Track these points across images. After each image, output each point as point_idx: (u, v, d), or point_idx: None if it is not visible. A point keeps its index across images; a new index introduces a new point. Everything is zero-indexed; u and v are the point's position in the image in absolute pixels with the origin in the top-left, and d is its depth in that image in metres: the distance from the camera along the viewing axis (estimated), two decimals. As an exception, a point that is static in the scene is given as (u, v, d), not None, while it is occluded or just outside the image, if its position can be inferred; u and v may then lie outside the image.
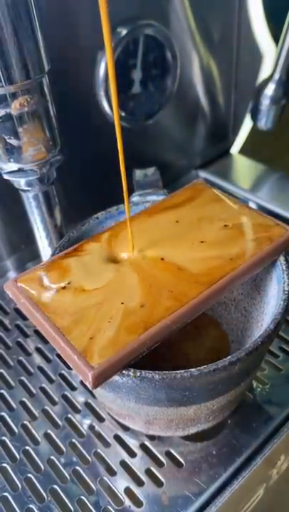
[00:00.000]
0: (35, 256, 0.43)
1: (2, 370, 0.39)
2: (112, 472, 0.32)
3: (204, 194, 0.34)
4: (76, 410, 0.35)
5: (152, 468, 0.32)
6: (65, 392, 0.37)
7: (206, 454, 0.32)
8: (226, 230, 0.30)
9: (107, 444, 0.33)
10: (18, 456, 0.33)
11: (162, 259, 0.29)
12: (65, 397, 0.36)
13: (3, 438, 0.34)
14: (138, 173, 0.39)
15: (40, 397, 0.36)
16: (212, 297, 0.26)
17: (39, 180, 0.34)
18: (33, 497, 0.31)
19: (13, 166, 0.32)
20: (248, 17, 0.52)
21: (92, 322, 0.25)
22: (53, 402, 0.36)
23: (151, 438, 0.33)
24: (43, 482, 0.32)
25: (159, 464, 0.32)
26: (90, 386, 0.23)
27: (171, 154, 0.55)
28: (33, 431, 0.34)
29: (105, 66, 0.40)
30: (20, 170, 0.32)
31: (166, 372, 0.23)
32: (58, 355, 0.39)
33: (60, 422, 0.35)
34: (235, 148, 0.62)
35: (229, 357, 0.24)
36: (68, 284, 0.28)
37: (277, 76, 0.47)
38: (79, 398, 0.36)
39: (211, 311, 0.38)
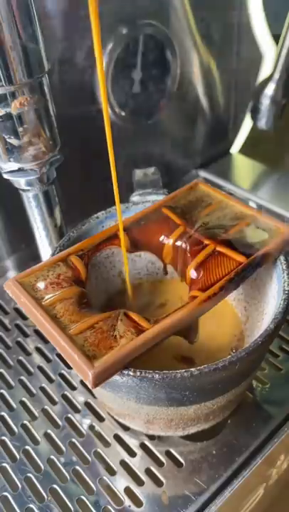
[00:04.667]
0: (35, 256, 0.43)
1: (2, 370, 0.39)
2: (112, 472, 0.32)
3: (204, 194, 0.34)
4: (76, 410, 0.35)
5: (152, 468, 0.32)
6: (65, 392, 0.36)
7: (206, 454, 0.32)
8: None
9: (107, 444, 0.33)
10: (18, 456, 0.33)
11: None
12: (65, 397, 0.36)
13: (3, 438, 0.34)
14: (138, 173, 0.39)
15: (40, 396, 0.36)
16: (213, 298, 0.26)
17: (39, 180, 0.34)
18: (33, 497, 0.31)
19: (13, 166, 0.32)
20: (248, 17, 0.52)
21: (93, 321, 0.25)
22: (53, 402, 0.36)
23: (151, 438, 0.33)
24: (42, 482, 0.31)
25: (159, 463, 0.32)
26: (90, 385, 0.23)
27: (171, 154, 0.55)
28: (33, 431, 0.34)
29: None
30: (20, 169, 0.32)
31: (166, 371, 0.23)
32: (58, 355, 0.39)
33: (60, 422, 0.35)
34: (235, 148, 0.62)
35: (229, 357, 0.24)
36: (68, 283, 0.28)
37: (277, 76, 0.47)
38: (79, 398, 0.36)
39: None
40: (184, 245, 0.30)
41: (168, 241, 0.31)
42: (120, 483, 0.31)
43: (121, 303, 0.35)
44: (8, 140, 0.31)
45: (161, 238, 0.31)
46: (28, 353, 0.40)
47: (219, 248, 0.29)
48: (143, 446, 0.33)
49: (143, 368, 0.24)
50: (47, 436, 0.34)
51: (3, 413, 0.36)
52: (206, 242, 0.29)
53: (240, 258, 0.28)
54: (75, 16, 0.37)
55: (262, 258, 0.28)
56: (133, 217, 0.32)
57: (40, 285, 0.27)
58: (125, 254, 0.31)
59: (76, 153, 0.42)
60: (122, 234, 0.30)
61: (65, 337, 0.24)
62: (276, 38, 0.52)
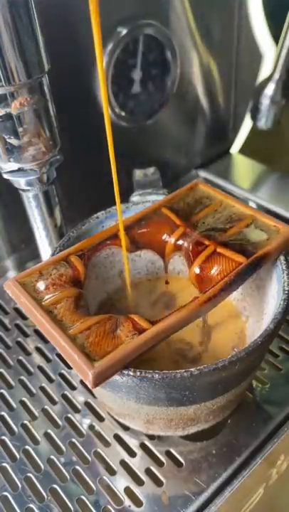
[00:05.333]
0: (35, 256, 0.43)
1: (2, 370, 0.39)
2: (111, 472, 0.32)
3: (204, 194, 0.34)
4: (76, 410, 0.35)
5: (152, 468, 0.32)
6: (65, 392, 0.37)
7: (206, 454, 0.32)
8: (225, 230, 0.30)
9: (106, 444, 0.33)
10: (18, 456, 0.33)
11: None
12: (64, 397, 0.36)
13: (3, 437, 0.34)
14: (138, 173, 0.39)
15: (40, 396, 0.36)
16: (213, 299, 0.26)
17: (39, 180, 0.34)
18: (33, 496, 0.31)
19: (13, 166, 0.32)
20: (248, 17, 0.52)
21: (93, 321, 0.25)
22: (53, 402, 0.36)
23: (151, 437, 0.33)
24: (42, 482, 0.32)
25: (159, 463, 0.32)
26: (90, 385, 0.23)
27: (171, 154, 0.55)
28: (33, 430, 0.34)
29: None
30: (20, 169, 0.32)
31: (166, 371, 0.23)
32: (58, 355, 0.39)
33: (60, 422, 0.35)
34: (235, 148, 0.62)
35: (229, 357, 0.24)
36: (68, 283, 0.28)
37: (277, 76, 0.47)
38: (79, 398, 0.36)
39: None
40: (185, 244, 0.30)
41: (170, 239, 0.31)
42: (120, 483, 0.31)
43: (121, 303, 0.35)
44: (8, 140, 0.31)
45: (164, 237, 0.31)
46: (28, 353, 0.40)
47: (219, 249, 0.29)
48: (143, 446, 0.33)
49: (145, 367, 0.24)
50: (47, 436, 0.34)
51: (3, 413, 0.36)
52: (206, 242, 0.29)
53: (240, 259, 0.28)
54: (75, 16, 0.37)
55: (262, 258, 0.28)
56: (133, 217, 0.32)
57: (40, 285, 0.27)
58: (125, 254, 0.31)
59: (76, 154, 0.42)
60: (122, 234, 0.30)
61: (65, 337, 0.24)
62: (276, 38, 0.52)
